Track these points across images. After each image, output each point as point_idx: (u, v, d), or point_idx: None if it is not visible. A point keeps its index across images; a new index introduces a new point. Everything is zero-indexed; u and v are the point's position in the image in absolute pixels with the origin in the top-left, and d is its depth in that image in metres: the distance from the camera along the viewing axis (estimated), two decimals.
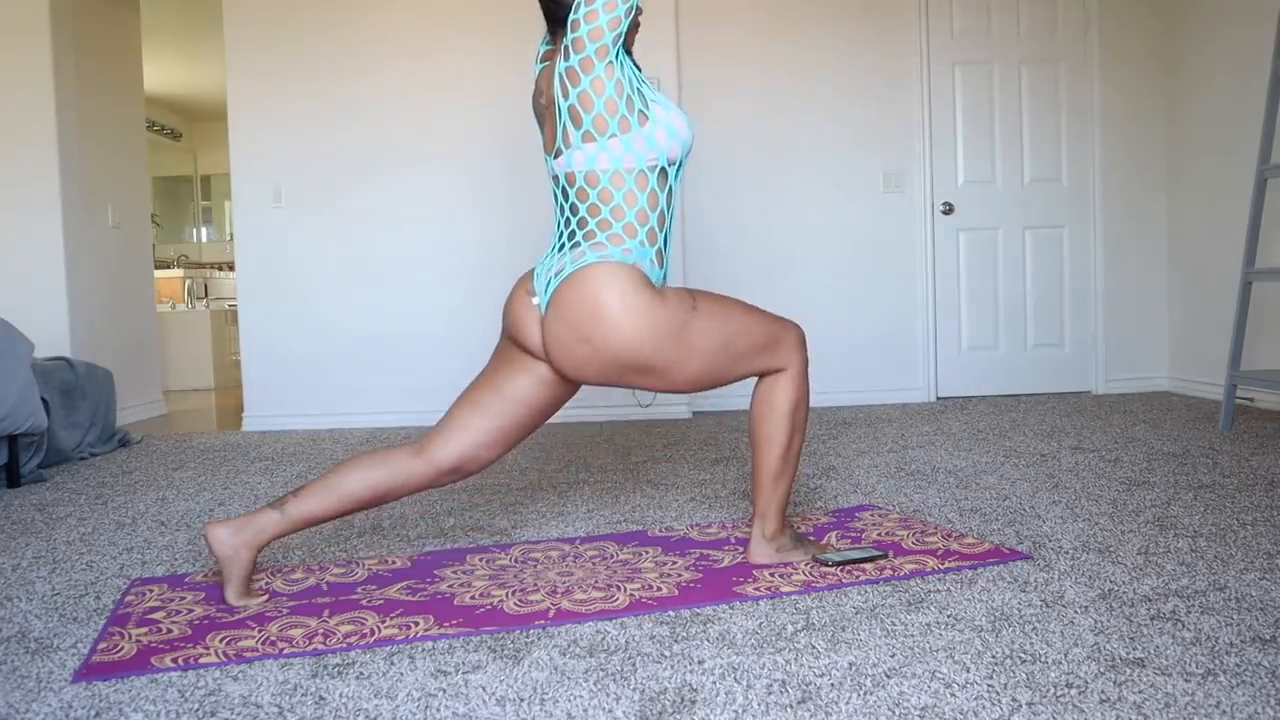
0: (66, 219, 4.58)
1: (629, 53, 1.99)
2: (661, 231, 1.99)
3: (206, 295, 8.60)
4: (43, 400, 3.51)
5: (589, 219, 1.96)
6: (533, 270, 2.05)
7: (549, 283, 1.96)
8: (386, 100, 4.70)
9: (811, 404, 4.81)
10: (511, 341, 2.06)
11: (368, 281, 4.73)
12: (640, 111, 1.92)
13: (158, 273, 7.62)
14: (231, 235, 6.68)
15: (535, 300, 1.99)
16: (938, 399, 5.00)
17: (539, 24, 2.14)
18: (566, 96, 1.92)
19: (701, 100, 4.79)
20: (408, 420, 4.70)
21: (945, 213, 4.97)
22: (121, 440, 4.18)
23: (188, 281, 8.35)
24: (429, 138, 4.71)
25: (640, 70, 2.01)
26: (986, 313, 5.03)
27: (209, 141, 9.55)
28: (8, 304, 4.41)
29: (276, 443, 4.23)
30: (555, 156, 2.01)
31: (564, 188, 2.00)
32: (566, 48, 1.91)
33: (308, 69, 4.68)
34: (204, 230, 9.91)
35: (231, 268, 8.71)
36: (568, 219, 2.01)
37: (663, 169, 1.97)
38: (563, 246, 2.00)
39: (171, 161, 9.46)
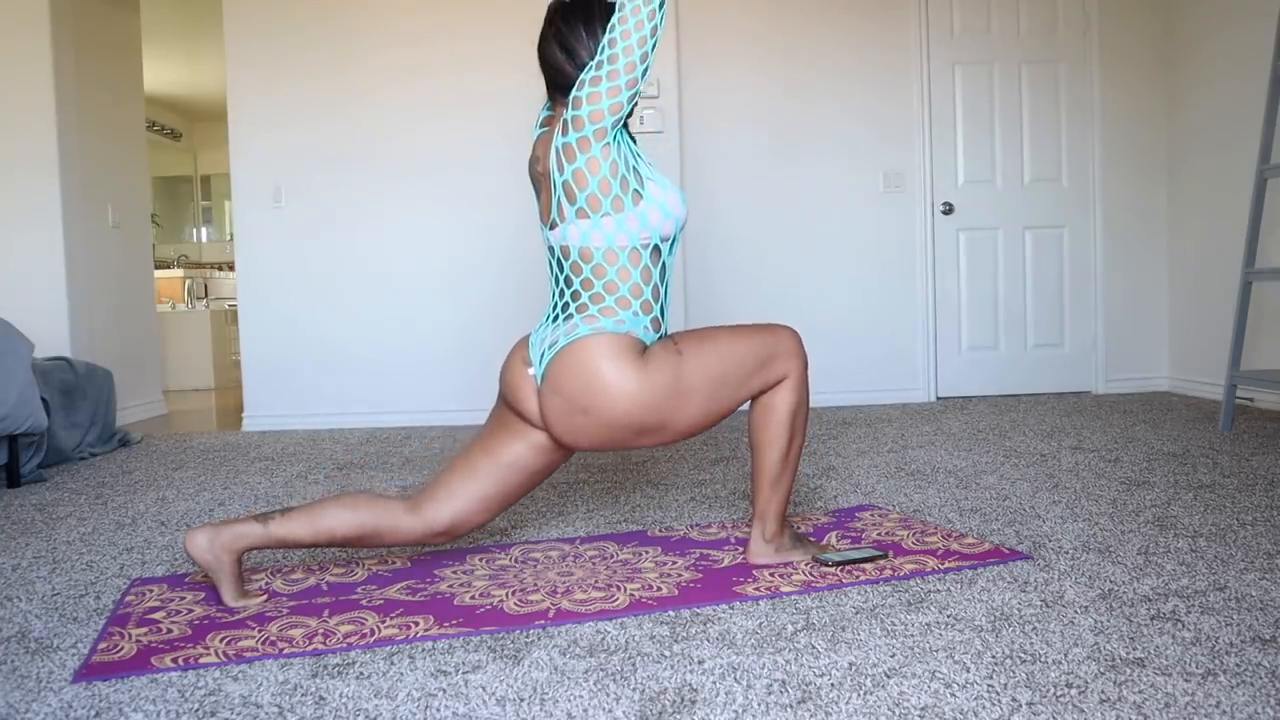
0: (66, 219, 4.58)
1: (628, 129, 2.01)
2: (656, 303, 2.01)
3: (206, 295, 8.60)
4: (43, 400, 3.51)
5: (582, 292, 1.98)
6: (528, 337, 2.06)
7: (543, 354, 1.98)
8: (387, 100, 4.70)
9: (811, 404, 4.82)
10: (508, 408, 2.07)
11: (368, 281, 4.74)
12: (635, 191, 1.94)
13: (158, 273, 7.62)
14: (231, 235, 6.68)
15: (531, 370, 2.00)
16: (938, 399, 5.00)
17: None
18: (562, 171, 1.94)
19: (701, 101, 4.79)
20: (408, 421, 4.70)
21: (945, 213, 4.97)
22: (121, 440, 4.18)
23: (188, 281, 8.35)
24: (430, 137, 4.71)
25: (637, 147, 2.02)
26: (986, 313, 5.03)
27: (209, 141, 9.55)
28: (8, 304, 4.41)
29: (276, 443, 4.23)
30: (550, 228, 2.02)
31: (558, 259, 2.03)
32: (566, 123, 1.92)
33: (308, 69, 4.69)
34: (204, 230, 9.91)
35: (231, 268, 8.71)
36: (561, 290, 2.03)
37: (655, 246, 1.99)
38: (556, 317, 2.02)
39: (171, 161, 9.46)
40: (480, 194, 4.72)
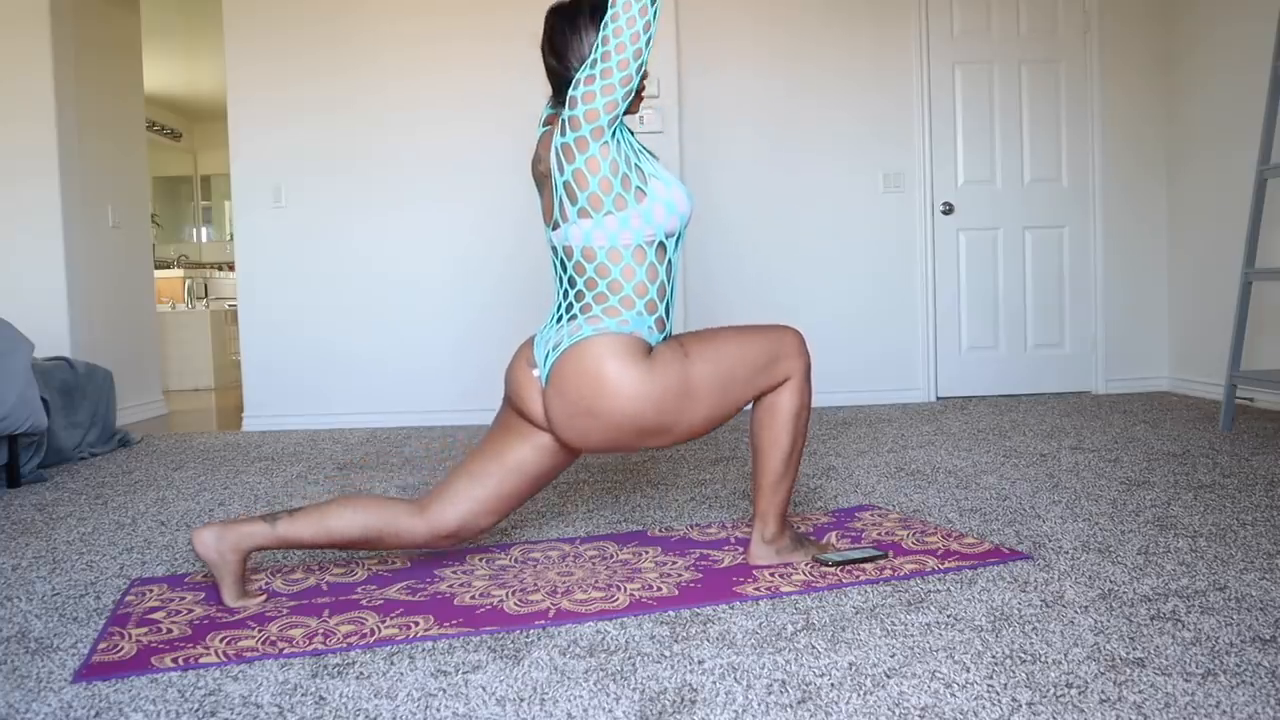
0: (66, 219, 4.58)
1: (630, 130, 2.01)
2: (661, 302, 2.01)
3: (206, 295, 8.60)
4: (43, 400, 3.51)
5: (586, 292, 1.98)
6: (532, 339, 2.06)
7: (548, 356, 1.97)
8: (387, 100, 4.70)
9: (812, 404, 4.81)
10: (513, 410, 2.07)
11: (368, 281, 4.74)
12: (637, 188, 1.94)
13: (158, 273, 7.62)
14: (231, 235, 6.68)
15: (536, 372, 2.00)
16: (938, 399, 4.99)
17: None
18: (562, 172, 1.94)
19: (701, 101, 4.80)
20: (408, 421, 4.70)
21: (945, 213, 4.97)
22: (121, 440, 4.18)
23: (188, 281, 8.35)
24: (430, 137, 4.71)
25: (639, 144, 2.02)
26: (986, 313, 5.03)
27: (209, 141, 9.55)
28: (8, 304, 4.41)
29: (276, 443, 4.23)
30: (553, 228, 2.02)
31: (562, 259, 2.02)
32: (563, 123, 1.93)
33: (308, 69, 4.69)
34: (204, 230, 9.91)
35: (231, 268, 8.72)
36: (565, 290, 2.02)
37: (660, 243, 1.98)
38: (560, 319, 2.02)
39: (171, 161, 9.46)
40: (481, 194, 4.72)
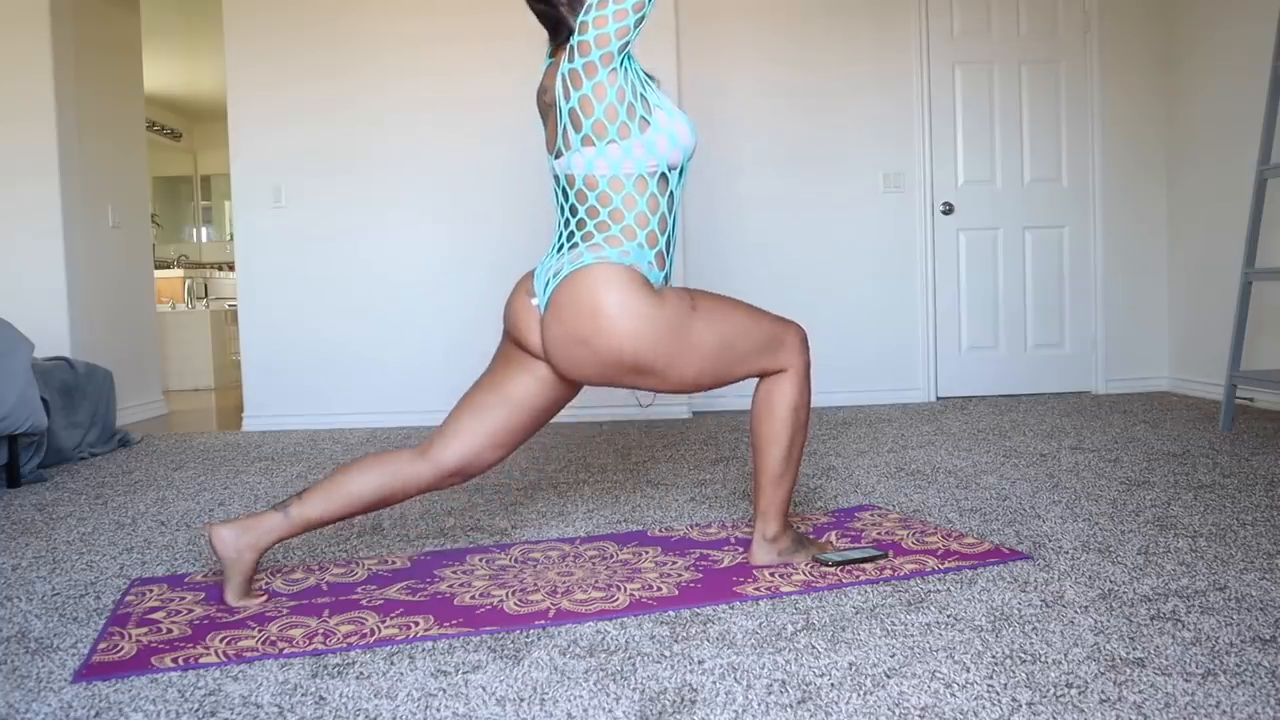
0: (66, 219, 4.58)
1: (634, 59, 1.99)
2: (662, 235, 1.99)
3: (206, 295, 8.60)
4: (43, 400, 3.51)
5: (587, 220, 1.96)
6: (533, 271, 2.05)
7: (547, 284, 1.96)
8: (387, 101, 4.70)
9: (812, 404, 4.81)
10: (512, 342, 2.06)
11: (368, 281, 4.74)
12: (641, 118, 1.92)
13: (158, 273, 7.62)
14: (231, 235, 6.68)
15: (534, 301, 1.99)
16: (938, 399, 4.99)
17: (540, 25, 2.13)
18: (568, 99, 1.92)
19: (701, 100, 4.79)
20: (408, 421, 4.70)
21: (945, 213, 4.97)
22: (121, 440, 4.18)
23: (188, 281, 8.35)
24: (429, 137, 4.71)
25: (645, 73, 2.00)
26: (986, 313, 5.03)
27: (209, 141, 9.55)
28: (8, 304, 4.41)
29: (276, 443, 4.23)
30: (556, 157, 2.00)
31: (564, 188, 2.00)
32: (572, 49, 1.90)
33: (308, 69, 4.68)
34: (204, 230, 9.91)
35: (231, 268, 8.72)
36: (567, 220, 2.01)
37: (663, 174, 1.97)
38: (561, 247, 2.00)
39: (171, 161, 9.46)
40: (480, 194, 4.72)
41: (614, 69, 1.89)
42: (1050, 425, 4.01)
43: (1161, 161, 5.07)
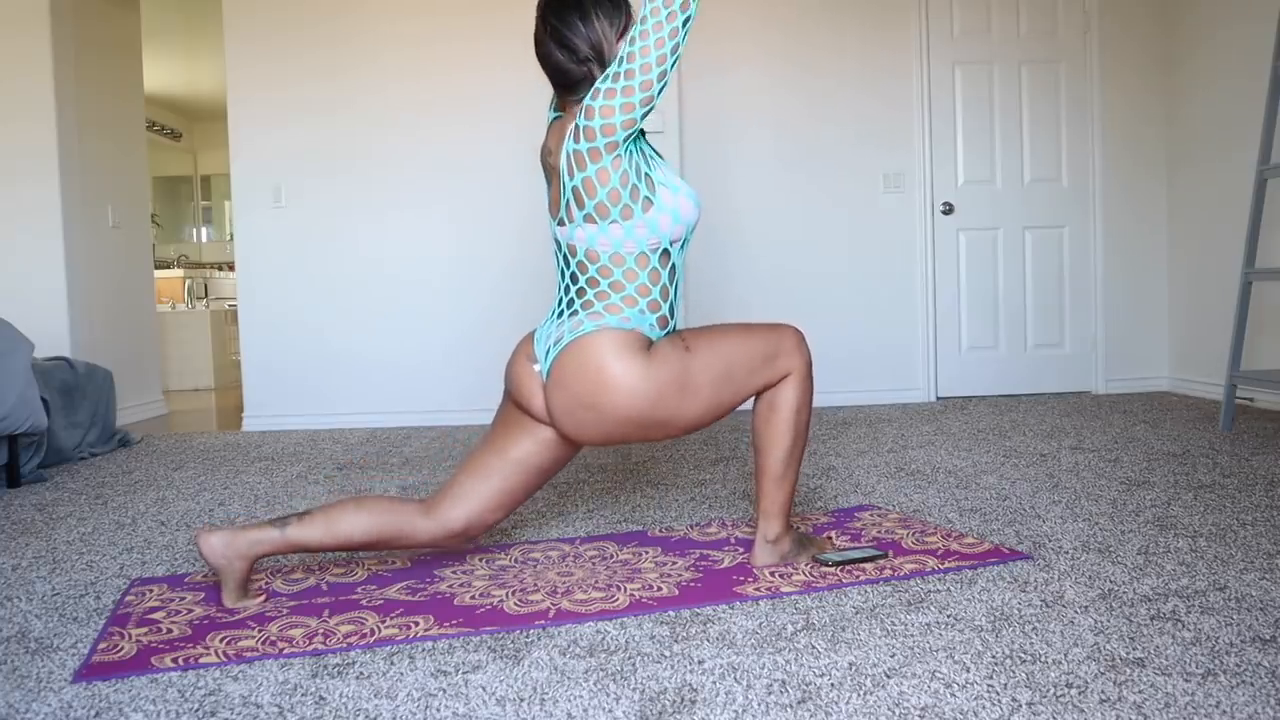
0: (66, 219, 4.58)
1: (642, 130, 1.98)
2: (665, 302, 2.00)
3: (206, 295, 8.60)
4: (43, 400, 3.51)
5: (588, 289, 1.98)
6: (533, 334, 2.07)
7: (549, 351, 1.98)
8: (388, 100, 4.70)
9: (812, 404, 4.81)
10: (514, 405, 2.07)
11: (368, 281, 4.74)
12: (645, 198, 1.93)
13: (158, 273, 7.62)
14: (231, 235, 6.68)
15: (536, 367, 2.01)
16: (938, 399, 4.99)
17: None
18: (572, 177, 1.93)
19: (701, 100, 4.79)
20: (409, 421, 4.70)
21: (945, 213, 4.97)
22: (121, 440, 4.18)
23: (188, 281, 8.35)
24: (430, 138, 4.71)
25: (650, 148, 2.00)
26: (986, 313, 5.03)
27: (209, 141, 9.55)
28: (8, 304, 4.41)
29: (276, 443, 4.23)
30: (559, 223, 2.01)
31: (565, 255, 2.02)
32: (578, 129, 1.90)
33: (309, 69, 4.68)
34: (204, 230, 9.91)
35: (231, 268, 8.72)
36: (568, 286, 2.02)
37: (665, 249, 1.98)
38: (562, 313, 2.02)
39: (171, 161, 9.46)
40: (482, 195, 4.72)
41: (618, 154, 1.90)
42: (1050, 425, 4.01)
43: (1161, 161, 5.07)
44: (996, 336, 5.04)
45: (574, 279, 2.00)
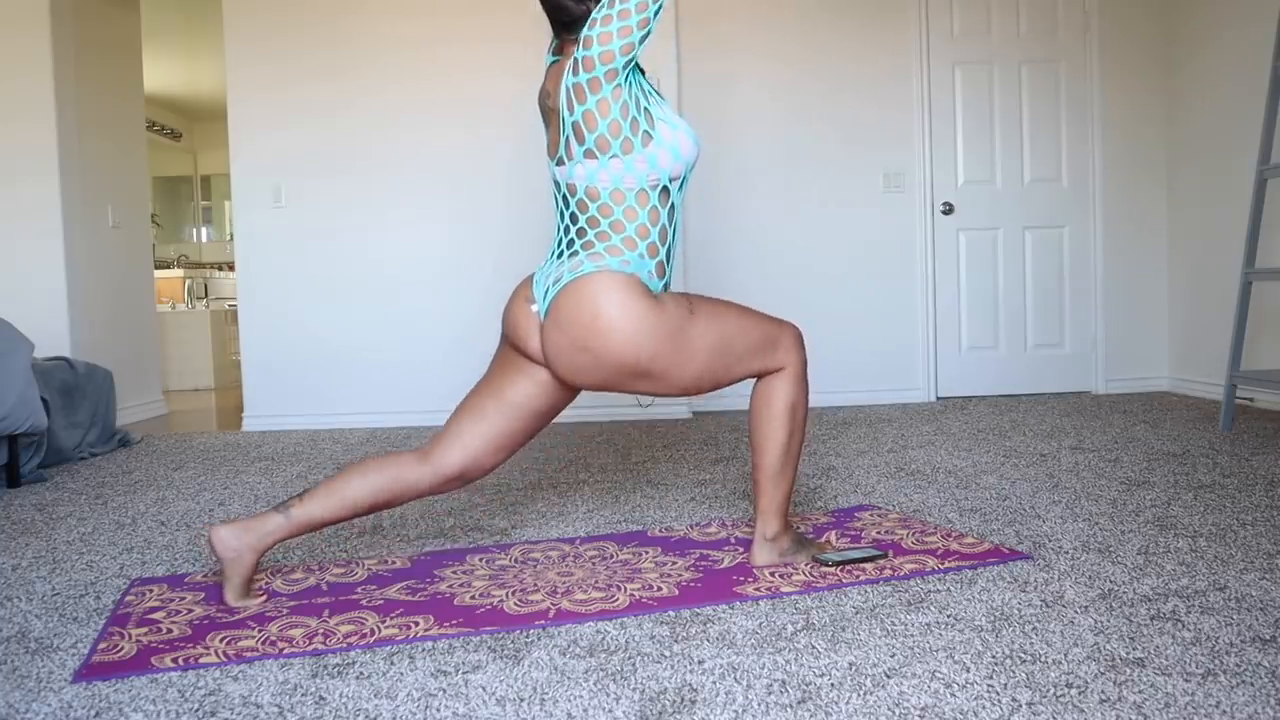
0: (66, 219, 4.58)
1: (641, 69, 1.98)
2: (663, 245, 1.99)
3: (206, 295, 8.60)
4: (43, 400, 3.51)
5: (588, 229, 1.97)
6: (532, 276, 2.05)
7: (547, 291, 1.96)
8: (387, 101, 4.70)
9: (811, 404, 4.81)
10: (511, 347, 2.06)
11: (368, 281, 4.74)
12: (645, 132, 1.92)
13: (158, 273, 7.62)
14: (231, 235, 6.68)
15: (534, 307, 1.99)
16: (938, 399, 4.99)
17: (545, 21, 2.13)
18: (571, 112, 1.92)
19: (701, 100, 4.79)
20: (409, 421, 4.70)
21: (945, 213, 4.97)
22: (121, 440, 4.18)
23: (188, 281, 8.35)
24: (430, 138, 4.71)
25: (649, 84, 2.00)
26: (986, 313, 5.03)
27: (209, 141, 9.55)
28: (8, 304, 4.41)
29: (276, 443, 4.23)
30: (557, 164, 2.00)
31: (565, 195, 2.01)
32: (576, 62, 1.89)
33: (309, 69, 4.68)
34: (204, 230, 9.91)
35: (231, 268, 8.71)
36: (567, 227, 2.01)
37: (664, 186, 1.97)
38: (561, 254, 2.00)
39: (171, 161, 9.46)
40: (480, 194, 4.72)
41: (618, 84, 1.88)
42: (1050, 425, 4.01)
43: (1161, 161, 5.07)
44: (996, 336, 5.04)
45: (573, 219, 1.99)
